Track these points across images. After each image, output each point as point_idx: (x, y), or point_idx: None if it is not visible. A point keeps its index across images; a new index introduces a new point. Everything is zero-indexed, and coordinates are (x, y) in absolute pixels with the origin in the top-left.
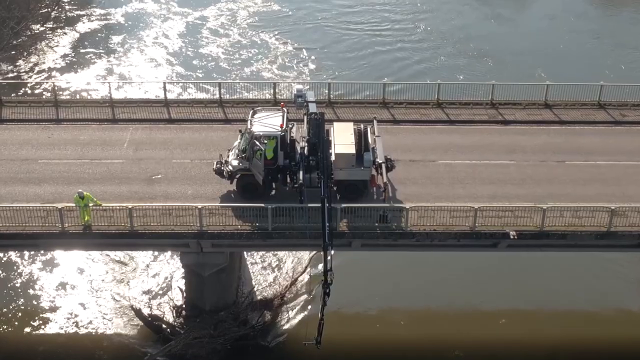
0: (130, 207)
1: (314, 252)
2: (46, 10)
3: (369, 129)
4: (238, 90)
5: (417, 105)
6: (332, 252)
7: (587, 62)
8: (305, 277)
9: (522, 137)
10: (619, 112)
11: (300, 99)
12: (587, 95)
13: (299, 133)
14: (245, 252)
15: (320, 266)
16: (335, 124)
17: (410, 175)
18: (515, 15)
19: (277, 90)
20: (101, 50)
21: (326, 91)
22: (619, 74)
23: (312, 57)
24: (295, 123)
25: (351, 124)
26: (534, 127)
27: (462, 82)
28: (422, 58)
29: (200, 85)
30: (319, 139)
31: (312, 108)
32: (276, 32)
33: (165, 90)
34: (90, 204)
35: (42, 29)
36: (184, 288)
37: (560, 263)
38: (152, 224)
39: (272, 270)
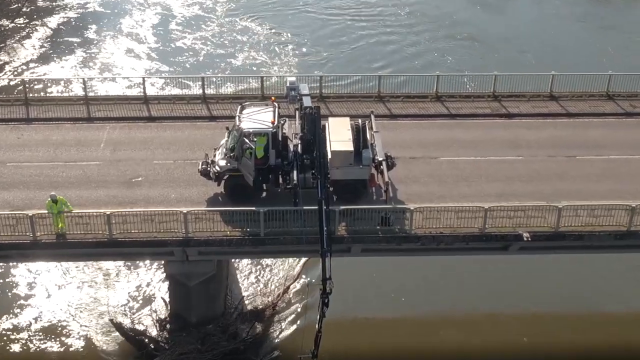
0: (108, 213)
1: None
2: (17, 5)
3: (367, 124)
4: (223, 84)
5: (415, 98)
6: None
7: (580, 48)
8: (298, 284)
9: (527, 131)
10: (629, 103)
11: (293, 92)
12: (594, 86)
13: (291, 129)
14: (233, 259)
15: (315, 271)
16: (330, 119)
17: (411, 174)
18: (502, 1)
19: (264, 84)
20: (75, 45)
21: (317, 85)
22: (615, 60)
23: (299, 48)
24: (286, 118)
25: (348, 119)
26: (540, 120)
27: (462, 73)
28: (411, 47)
29: (182, 80)
30: (315, 136)
31: (307, 102)
32: (259, 21)
33: (144, 85)
34: (65, 210)
35: (12, 25)
36: (168, 299)
37: (564, 264)
38: (132, 231)
39: (263, 278)
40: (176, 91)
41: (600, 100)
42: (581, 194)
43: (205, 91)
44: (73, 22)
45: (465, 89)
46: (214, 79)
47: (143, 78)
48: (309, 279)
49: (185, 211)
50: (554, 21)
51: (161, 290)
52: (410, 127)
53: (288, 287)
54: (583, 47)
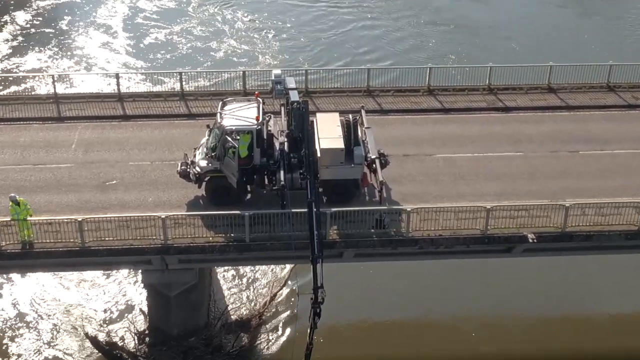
0: (80, 219)
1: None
2: None
3: (357, 119)
4: (202, 80)
5: (406, 92)
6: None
7: (568, 36)
8: (285, 291)
9: (526, 125)
10: (631, 95)
11: (279, 86)
12: (593, 77)
13: (277, 126)
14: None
15: (304, 277)
16: (318, 114)
17: (405, 172)
18: None
19: (247, 78)
20: (44, 40)
21: (303, 79)
22: (604, 47)
23: (281, 38)
24: (271, 115)
25: (337, 114)
26: (539, 113)
27: (455, 65)
28: (397, 37)
29: (159, 75)
30: (303, 132)
31: (294, 96)
32: (238, 11)
33: (118, 82)
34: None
35: None
36: (147, 311)
37: (568, 265)
38: (106, 238)
39: (248, 285)
40: (152, 88)
41: (601, 92)
42: (587, 192)
43: (184, 87)
44: (42, 16)
45: (458, 82)
46: (193, 74)
47: (117, 74)
48: (297, 285)
49: (163, 216)
50: (540, 8)
51: (140, 301)
52: (402, 122)
53: (275, 295)
54: (572, 35)
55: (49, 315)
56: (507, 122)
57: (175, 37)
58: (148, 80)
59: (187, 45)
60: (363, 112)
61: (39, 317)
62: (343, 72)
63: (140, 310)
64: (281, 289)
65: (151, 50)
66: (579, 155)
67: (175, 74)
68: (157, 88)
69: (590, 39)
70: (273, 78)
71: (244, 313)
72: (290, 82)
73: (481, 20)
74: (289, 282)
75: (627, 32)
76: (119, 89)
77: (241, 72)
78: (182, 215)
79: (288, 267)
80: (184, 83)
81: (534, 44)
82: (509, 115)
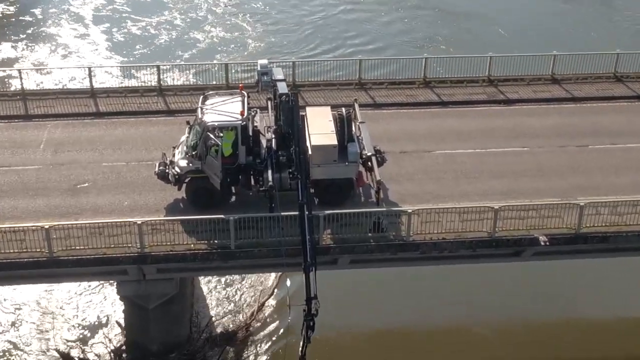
0: (47, 227)
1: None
2: None
3: (351, 114)
4: (181, 73)
5: (400, 85)
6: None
7: (559, 24)
8: (275, 300)
9: (530, 118)
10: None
11: (265, 78)
12: (599, 67)
13: (264, 122)
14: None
15: (294, 283)
16: (308, 109)
17: (403, 170)
18: None
19: (229, 71)
20: (10, 32)
21: (290, 72)
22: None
23: (266, 30)
24: (257, 109)
25: (329, 108)
26: (543, 106)
27: (453, 55)
28: (387, 27)
29: (135, 69)
30: (293, 128)
31: (282, 88)
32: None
33: (91, 77)
34: None
35: None
36: (123, 324)
37: (575, 268)
38: (77, 247)
39: (233, 294)
40: (128, 82)
41: (608, 82)
42: (598, 189)
43: (162, 81)
44: (13, 5)
45: (456, 73)
46: (171, 67)
47: (89, 68)
48: (288, 293)
49: (140, 222)
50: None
51: (116, 313)
52: (398, 117)
53: (263, 304)
54: (571, 23)
55: (17, 331)
56: (509, 115)
57: (152, 27)
58: (123, 75)
59: (165, 36)
60: (356, 105)
61: (6, 333)
62: (333, 64)
63: (117, 323)
64: (270, 297)
65: (126, 42)
66: (588, 150)
67: (152, 67)
68: (133, 82)
69: (590, 28)
70: (259, 69)
71: (230, 325)
72: (278, 73)
73: (477, 9)
74: (278, 290)
75: (623, 22)
76: (91, 83)
77: (223, 64)
78: (160, 220)
79: (277, 273)
80: (161, 77)
81: (533, 33)
82: (511, 107)
